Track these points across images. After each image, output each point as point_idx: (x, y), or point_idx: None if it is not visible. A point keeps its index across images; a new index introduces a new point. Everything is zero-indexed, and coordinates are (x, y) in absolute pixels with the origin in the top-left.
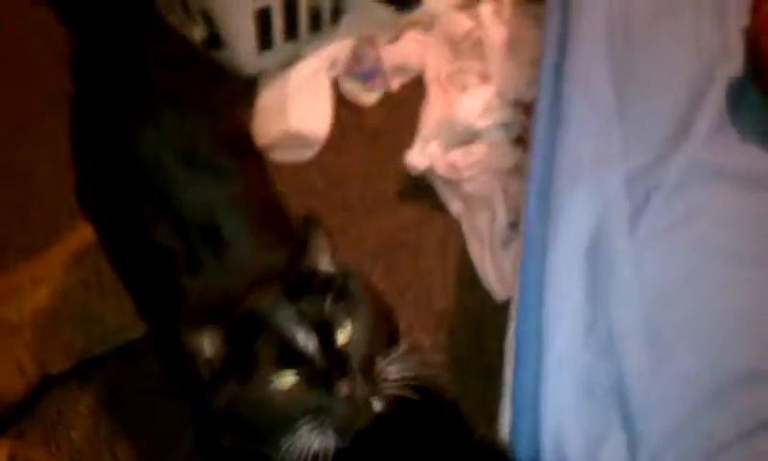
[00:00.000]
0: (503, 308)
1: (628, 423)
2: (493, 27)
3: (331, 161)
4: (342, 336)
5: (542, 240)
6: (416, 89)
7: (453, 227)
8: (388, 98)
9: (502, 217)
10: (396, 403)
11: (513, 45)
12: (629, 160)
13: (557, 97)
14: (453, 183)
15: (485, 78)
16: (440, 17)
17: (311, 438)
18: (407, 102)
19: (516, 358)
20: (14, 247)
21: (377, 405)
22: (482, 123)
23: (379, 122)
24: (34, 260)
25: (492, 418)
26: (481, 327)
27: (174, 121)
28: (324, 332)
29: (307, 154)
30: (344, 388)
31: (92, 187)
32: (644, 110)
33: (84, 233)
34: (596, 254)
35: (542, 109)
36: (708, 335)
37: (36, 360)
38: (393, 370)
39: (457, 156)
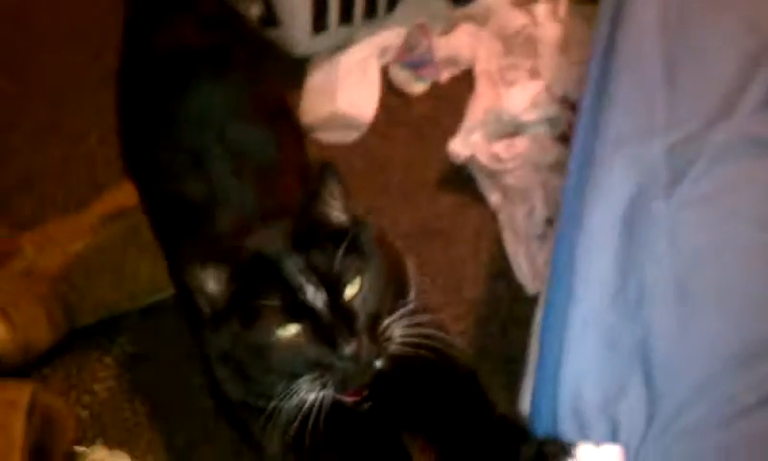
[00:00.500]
0: (533, 301)
1: (649, 380)
2: (547, 25)
3: (375, 146)
4: (350, 291)
5: (579, 209)
6: (465, 82)
7: (489, 218)
8: (436, 88)
9: (540, 211)
10: (405, 362)
11: (565, 44)
12: (672, 130)
13: (605, 72)
14: (494, 174)
15: (534, 74)
16: (494, 12)
17: (309, 391)
18: (455, 94)
19: (542, 327)
20: (57, 205)
21: (379, 363)
22: (528, 117)
23: (426, 111)
24: (74, 215)
25: (513, 403)
26: (510, 319)
27: (214, 85)
28: (333, 286)
29: (352, 136)
30: (348, 347)
31: (135, 149)
32: (692, 82)
33: (125, 193)
34: (631, 220)
35: (590, 83)
36: (736, 300)
37: (67, 311)
38: (399, 328)
39: (500, 147)
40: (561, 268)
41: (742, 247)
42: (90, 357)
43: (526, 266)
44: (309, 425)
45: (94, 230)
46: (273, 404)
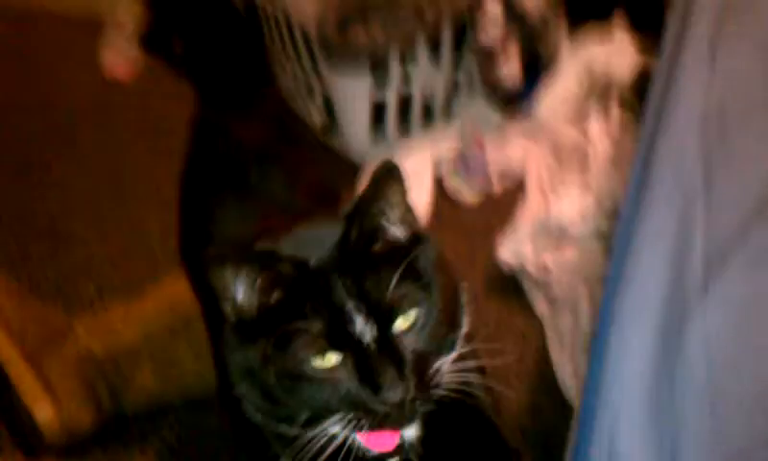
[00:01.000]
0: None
1: None
2: (599, 141)
3: None
4: (402, 324)
5: (613, 312)
6: (516, 193)
7: (534, 326)
8: (488, 198)
9: (586, 323)
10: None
11: (616, 159)
12: (710, 232)
13: (645, 177)
14: (541, 284)
15: (585, 188)
16: (548, 126)
17: (338, 428)
18: (506, 204)
19: (578, 432)
20: (114, 292)
21: (423, 408)
22: (577, 228)
23: (476, 219)
24: (128, 303)
25: None
26: (551, 428)
27: (270, 182)
28: (383, 317)
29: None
30: (393, 393)
31: (191, 243)
32: (730, 184)
33: (180, 286)
34: (666, 323)
35: (630, 189)
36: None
37: (112, 396)
38: (448, 374)
39: (548, 257)
40: (596, 372)
41: None
42: (132, 445)
43: (571, 377)
44: None
45: (146, 320)
46: (294, 432)
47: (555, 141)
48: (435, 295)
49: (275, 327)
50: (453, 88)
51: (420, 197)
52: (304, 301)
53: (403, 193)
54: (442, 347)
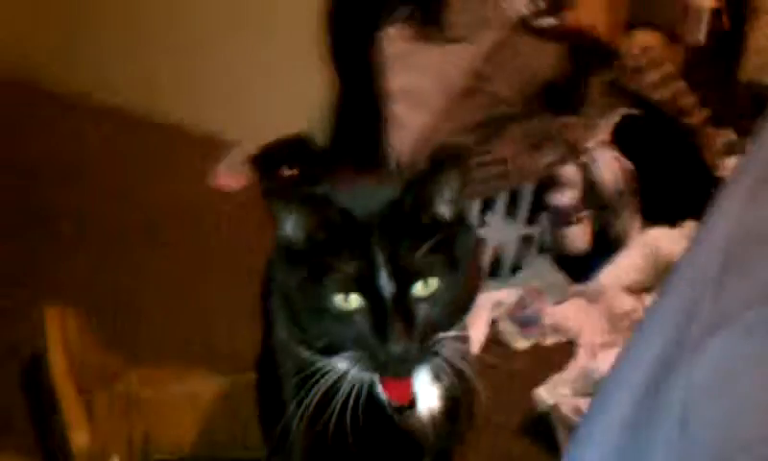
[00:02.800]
0: None
1: None
2: None
3: None
4: (422, 290)
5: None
6: (566, 351)
7: None
8: (538, 349)
9: None
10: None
11: None
12: (715, 307)
13: None
14: (574, 427)
15: None
16: (606, 293)
17: (346, 367)
18: (554, 358)
19: None
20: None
21: (417, 369)
22: None
23: (522, 365)
24: (183, 369)
25: None
26: None
27: None
28: (405, 280)
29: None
30: (397, 346)
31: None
32: (740, 284)
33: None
34: (655, 369)
35: None
36: None
37: (146, 441)
38: (448, 348)
39: (585, 403)
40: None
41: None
42: None
43: None
44: (337, 401)
45: (194, 383)
46: (308, 356)
47: (611, 307)
48: (459, 277)
49: (313, 260)
50: (524, 244)
51: (473, 335)
52: (344, 245)
53: (462, 179)
54: (449, 323)
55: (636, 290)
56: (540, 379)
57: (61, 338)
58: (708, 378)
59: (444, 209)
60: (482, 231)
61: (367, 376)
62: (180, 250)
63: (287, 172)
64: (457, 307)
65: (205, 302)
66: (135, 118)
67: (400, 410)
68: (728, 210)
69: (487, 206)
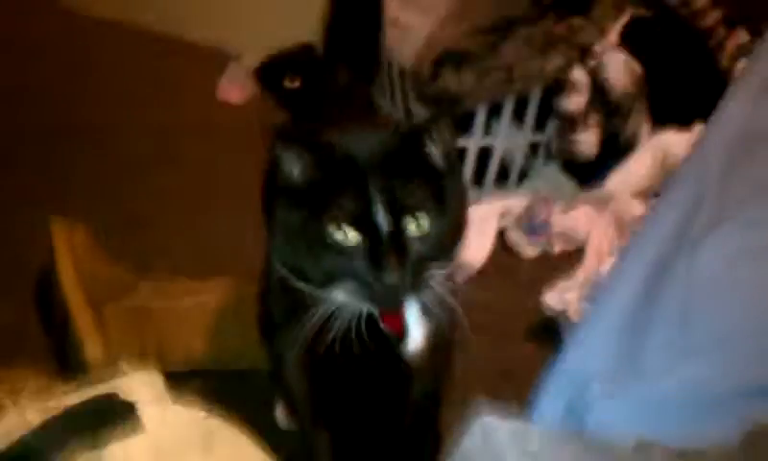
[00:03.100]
0: None
1: None
2: None
3: (474, 290)
4: (415, 229)
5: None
6: (575, 257)
7: None
8: (546, 257)
9: None
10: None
11: None
12: (718, 202)
13: None
14: None
15: None
16: (615, 199)
17: (344, 298)
18: (563, 266)
19: None
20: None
21: (409, 299)
22: None
23: (531, 274)
24: (193, 281)
25: None
26: None
27: None
28: (400, 215)
29: (459, 276)
30: (391, 277)
31: None
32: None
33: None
34: (662, 253)
35: None
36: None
37: (158, 350)
38: (438, 283)
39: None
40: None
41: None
42: None
43: None
44: (330, 331)
45: (203, 294)
46: (308, 289)
47: (619, 213)
48: (448, 217)
49: (314, 199)
50: (532, 151)
51: (482, 243)
52: (344, 186)
53: (452, 139)
54: (438, 260)
55: (646, 195)
56: (547, 285)
57: (70, 251)
58: (710, 270)
59: (437, 156)
60: (489, 140)
61: (361, 307)
62: (188, 164)
63: (289, 83)
64: (444, 247)
65: (215, 215)
66: (139, 32)
67: (389, 339)
68: (733, 111)
69: (493, 113)
